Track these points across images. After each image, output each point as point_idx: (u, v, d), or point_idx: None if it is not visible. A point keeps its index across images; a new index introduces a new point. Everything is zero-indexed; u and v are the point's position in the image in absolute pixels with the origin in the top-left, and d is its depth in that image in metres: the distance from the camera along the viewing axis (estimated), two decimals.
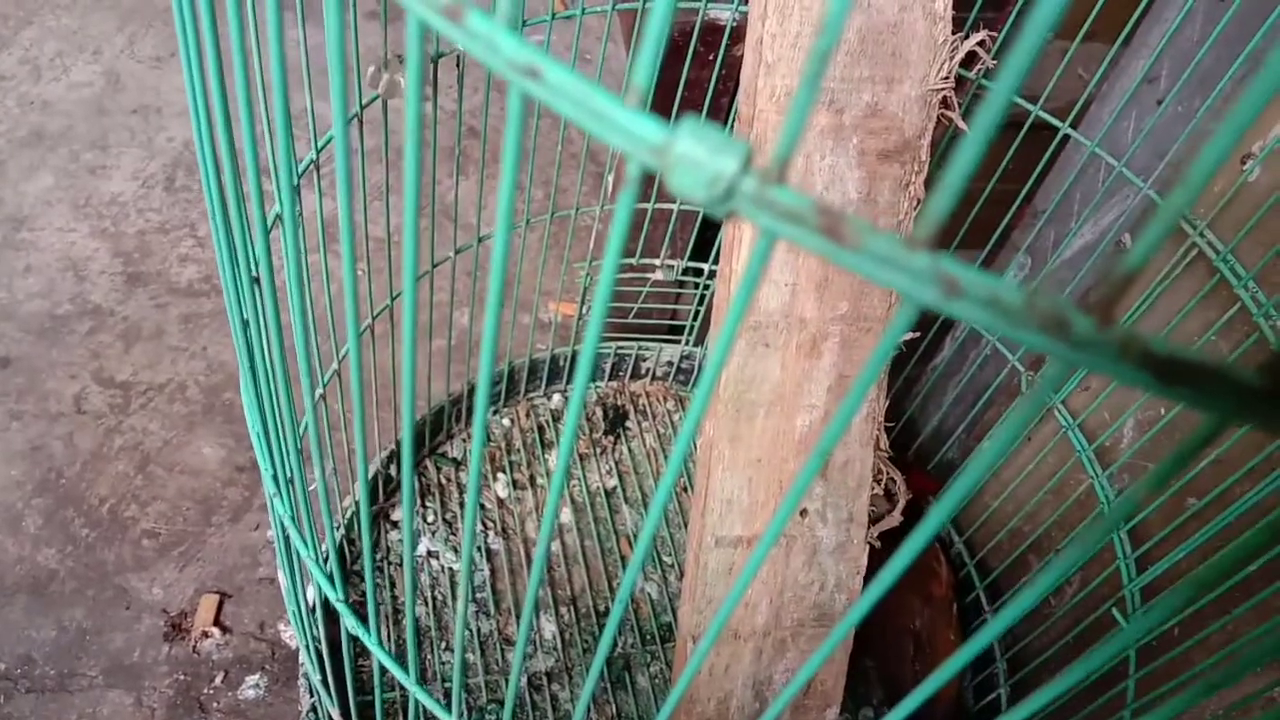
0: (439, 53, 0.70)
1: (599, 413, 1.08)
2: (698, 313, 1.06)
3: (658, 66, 0.16)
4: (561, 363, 1.06)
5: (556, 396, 1.08)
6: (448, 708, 0.38)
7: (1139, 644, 0.73)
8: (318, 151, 0.61)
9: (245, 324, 0.40)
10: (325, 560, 0.64)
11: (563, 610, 0.91)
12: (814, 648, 0.70)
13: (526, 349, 1.01)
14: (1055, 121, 0.76)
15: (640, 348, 1.08)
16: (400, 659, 0.84)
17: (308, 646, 0.62)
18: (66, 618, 1.00)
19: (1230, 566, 0.18)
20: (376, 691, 0.60)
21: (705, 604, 0.69)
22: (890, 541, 0.74)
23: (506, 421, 1.05)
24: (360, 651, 0.83)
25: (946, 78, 0.62)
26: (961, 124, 0.64)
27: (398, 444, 0.96)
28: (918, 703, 0.23)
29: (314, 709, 0.76)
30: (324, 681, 0.62)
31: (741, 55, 0.63)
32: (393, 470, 0.95)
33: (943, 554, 0.96)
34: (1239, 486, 0.67)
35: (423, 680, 0.83)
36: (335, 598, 0.42)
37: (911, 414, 1.03)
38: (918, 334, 0.90)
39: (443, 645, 0.86)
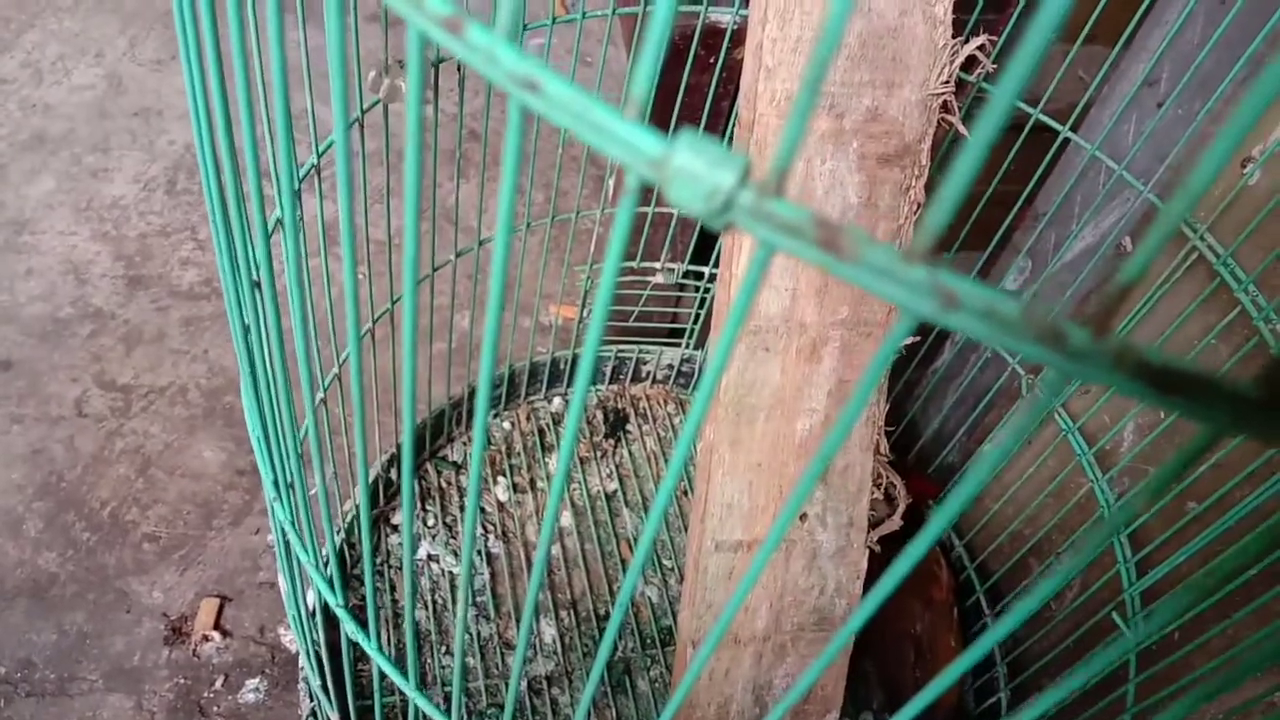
0: (440, 58, 0.70)
1: (599, 416, 1.08)
2: (698, 316, 1.06)
3: (658, 71, 0.16)
4: (562, 366, 1.06)
5: (557, 400, 1.08)
6: (447, 712, 0.38)
7: (1139, 648, 0.73)
8: (319, 155, 0.61)
9: (246, 329, 0.40)
10: (325, 565, 0.64)
11: (563, 614, 0.90)
12: (814, 652, 0.70)
13: (527, 352, 1.01)
14: (1056, 124, 0.76)
15: (641, 351, 1.08)
16: (400, 664, 0.84)
17: (308, 651, 0.62)
18: (67, 621, 1.00)
19: (1231, 570, 0.18)
20: (376, 696, 0.60)
21: (705, 609, 0.69)
22: (890, 546, 0.74)
23: (507, 425, 1.05)
24: (360, 656, 0.83)
25: (947, 82, 0.62)
26: (962, 128, 0.64)
27: (398, 448, 0.96)
28: (919, 708, 0.23)
29: (314, 713, 0.76)
30: (324, 686, 0.62)
31: (742, 59, 0.63)
32: (393, 474, 0.95)
33: (943, 557, 0.96)
34: (1239, 491, 0.67)
35: (422, 684, 0.83)
36: (335, 603, 0.42)
37: (912, 417, 1.03)
38: (918, 338, 0.90)
39: (443, 649, 0.86)
